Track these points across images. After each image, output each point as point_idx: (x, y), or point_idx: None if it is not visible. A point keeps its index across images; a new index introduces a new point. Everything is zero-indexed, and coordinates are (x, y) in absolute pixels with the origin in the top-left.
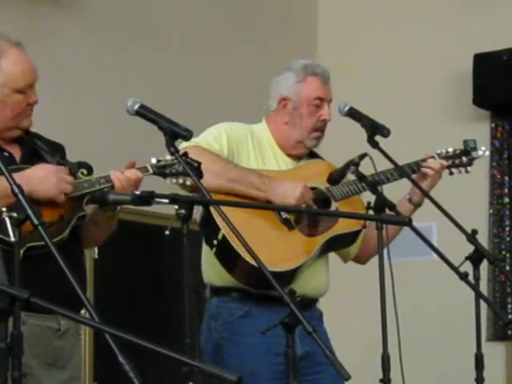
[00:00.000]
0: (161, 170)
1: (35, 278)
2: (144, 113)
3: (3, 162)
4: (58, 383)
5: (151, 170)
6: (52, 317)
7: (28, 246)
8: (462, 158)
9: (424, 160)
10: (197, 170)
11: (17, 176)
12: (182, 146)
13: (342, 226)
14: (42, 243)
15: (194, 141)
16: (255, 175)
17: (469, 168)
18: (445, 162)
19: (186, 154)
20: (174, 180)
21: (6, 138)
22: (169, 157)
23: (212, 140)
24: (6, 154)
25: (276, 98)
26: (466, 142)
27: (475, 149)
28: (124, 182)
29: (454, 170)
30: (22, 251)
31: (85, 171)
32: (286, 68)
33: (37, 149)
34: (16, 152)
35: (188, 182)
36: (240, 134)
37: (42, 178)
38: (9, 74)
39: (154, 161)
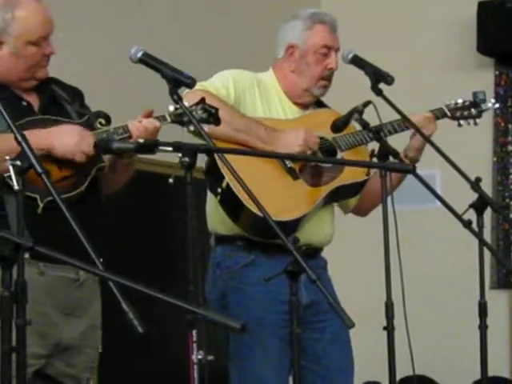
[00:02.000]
0: (178, 118)
1: (54, 230)
2: (147, 61)
3: (17, 112)
4: (78, 332)
5: (169, 119)
6: (70, 267)
7: (48, 200)
8: (471, 109)
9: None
10: (214, 117)
11: (39, 132)
12: (188, 90)
13: (347, 177)
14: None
15: (201, 84)
16: (261, 127)
17: (477, 120)
18: (430, 114)
19: (203, 100)
20: (191, 128)
21: (22, 87)
22: (187, 103)
23: (220, 85)
24: (24, 103)
25: (283, 45)
26: (475, 94)
27: (484, 101)
28: (142, 132)
29: (462, 121)
30: (41, 204)
31: (103, 121)
32: (294, 16)
33: (55, 97)
34: (34, 101)
35: (206, 129)
36: (247, 82)
37: (64, 134)
38: (23, 25)
39: (171, 108)
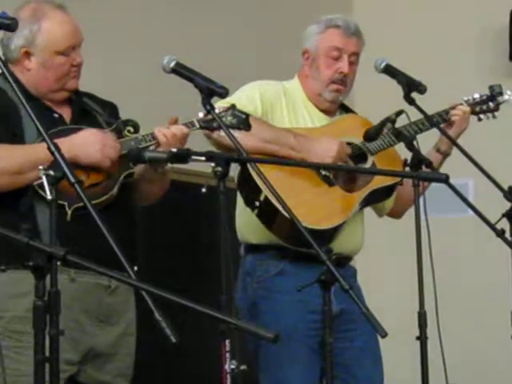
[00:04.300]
0: (208, 124)
1: (85, 237)
2: (180, 70)
3: (49, 124)
4: (111, 339)
5: (198, 125)
6: None
7: (76, 207)
8: (488, 103)
9: (453, 108)
10: (245, 123)
11: (60, 141)
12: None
13: (380, 180)
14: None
15: (226, 101)
16: (290, 135)
17: (496, 113)
18: (468, 108)
19: (233, 106)
20: (221, 133)
21: (54, 99)
22: (217, 110)
23: (246, 101)
24: (55, 115)
25: (302, 51)
26: (491, 88)
27: (501, 93)
28: (170, 138)
29: (482, 116)
30: (69, 211)
31: (131, 129)
32: (314, 22)
33: (87, 109)
34: (66, 113)
35: (237, 134)
36: (273, 93)
37: (86, 144)
38: (49, 36)
39: (200, 115)
